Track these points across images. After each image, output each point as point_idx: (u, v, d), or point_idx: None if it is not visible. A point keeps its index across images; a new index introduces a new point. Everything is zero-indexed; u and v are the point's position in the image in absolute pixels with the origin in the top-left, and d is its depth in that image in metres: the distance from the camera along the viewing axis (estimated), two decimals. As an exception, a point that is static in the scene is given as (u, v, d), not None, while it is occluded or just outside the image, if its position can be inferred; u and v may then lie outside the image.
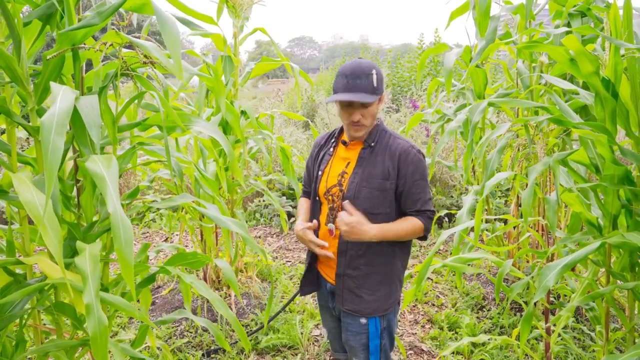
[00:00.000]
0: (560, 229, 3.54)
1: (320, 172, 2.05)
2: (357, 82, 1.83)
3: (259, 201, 6.16)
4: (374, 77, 1.84)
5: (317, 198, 2.06)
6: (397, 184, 1.89)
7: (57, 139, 1.23)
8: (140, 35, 1.72)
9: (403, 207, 1.93)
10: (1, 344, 1.67)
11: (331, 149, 2.07)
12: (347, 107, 1.89)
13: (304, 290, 2.18)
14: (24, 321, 1.72)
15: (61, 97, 1.32)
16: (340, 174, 1.98)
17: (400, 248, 1.98)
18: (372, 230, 1.84)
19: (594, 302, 2.36)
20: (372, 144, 1.95)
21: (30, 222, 1.76)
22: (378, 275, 1.95)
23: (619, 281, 2.10)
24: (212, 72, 3.09)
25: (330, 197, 2.00)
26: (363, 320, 1.97)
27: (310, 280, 2.17)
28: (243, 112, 3.46)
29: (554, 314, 3.29)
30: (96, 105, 1.47)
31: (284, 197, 5.97)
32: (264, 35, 3.48)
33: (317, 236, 2.04)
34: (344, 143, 2.03)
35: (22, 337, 1.72)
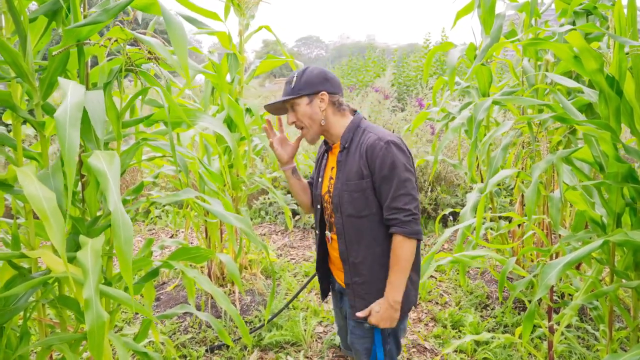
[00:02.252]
0: (565, 227, 3.53)
1: (320, 179, 2.05)
2: (284, 88, 1.96)
3: (264, 199, 6.18)
4: (294, 79, 1.92)
5: (318, 206, 2.05)
6: (372, 181, 1.83)
7: (72, 133, 1.25)
8: (146, 32, 1.73)
9: (380, 204, 1.85)
10: (6, 337, 1.69)
11: (325, 154, 2.07)
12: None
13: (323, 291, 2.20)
14: (28, 314, 1.74)
15: (71, 91, 1.33)
16: (329, 180, 1.98)
17: None
18: (389, 296, 1.82)
19: (597, 300, 2.35)
20: (347, 145, 1.91)
21: (36, 216, 1.78)
22: (382, 281, 1.89)
23: (623, 280, 2.09)
24: (216, 70, 3.10)
25: (325, 205, 2.00)
26: (367, 325, 1.92)
27: (322, 277, 2.17)
28: (248, 110, 3.47)
29: (557, 313, 3.28)
30: (102, 100, 1.48)
31: (289, 195, 5.98)
32: (272, 35, 3.49)
33: (320, 244, 2.06)
34: (330, 148, 2.03)
35: (26, 330, 1.74)
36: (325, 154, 2.07)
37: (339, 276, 2.04)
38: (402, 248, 1.79)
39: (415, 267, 1.92)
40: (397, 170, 1.78)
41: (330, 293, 2.22)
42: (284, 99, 1.92)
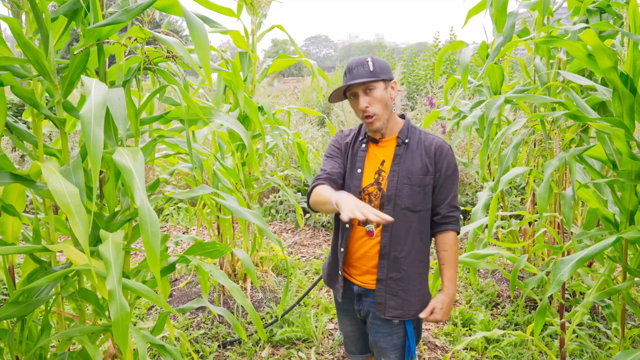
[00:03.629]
0: (577, 225, 3.52)
1: (358, 171, 1.95)
2: (354, 71, 1.86)
3: (275, 197, 6.21)
4: (370, 63, 1.86)
5: None
6: (434, 179, 1.89)
7: (97, 130, 1.28)
8: (161, 30, 1.77)
9: (435, 202, 1.91)
10: (27, 329, 1.73)
11: (363, 146, 1.98)
12: (354, 99, 1.89)
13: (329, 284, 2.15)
14: (49, 307, 1.78)
15: (94, 89, 1.37)
16: (377, 172, 1.93)
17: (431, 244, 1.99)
18: (449, 291, 1.90)
19: (609, 299, 2.35)
20: (406, 141, 1.92)
21: (55, 211, 1.82)
22: (420, 274, 1.94)
23: (635, 278, 2.09)
24: (231, 67, 3.13)
25: (367, 197, 1.92)
26: (396, 321, 1.93)
27: (332, 277, 2.10)
28: (260, 108, 3.50)
29: (569, 311, 3.28)
30: (122, 97, 1.51)
31: (299, 193, 6.01)
32: (280, 34, 3.53)
33: (350, 236, 1.96)
34: (375, 141, 1.97)
35: (47, 322, 1.78)
36: (363, 146, 1.98)
37: (357, 276, 1.98)
38: (455, 245, 1.94)
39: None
40: (457, 174, 1.95)
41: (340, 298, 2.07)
42: (365, 80, 1.82)
